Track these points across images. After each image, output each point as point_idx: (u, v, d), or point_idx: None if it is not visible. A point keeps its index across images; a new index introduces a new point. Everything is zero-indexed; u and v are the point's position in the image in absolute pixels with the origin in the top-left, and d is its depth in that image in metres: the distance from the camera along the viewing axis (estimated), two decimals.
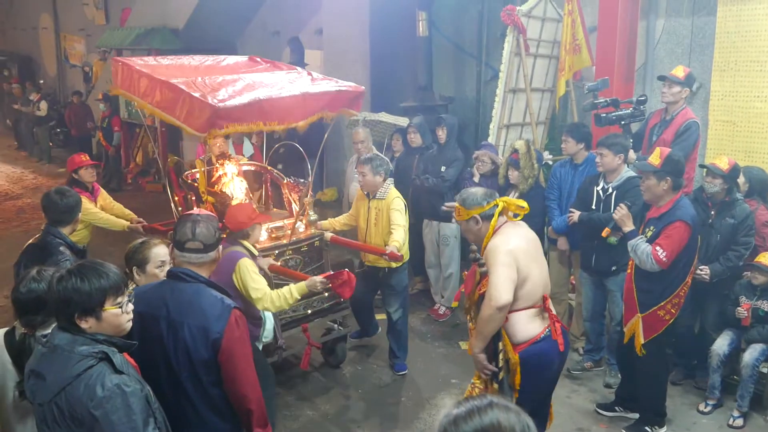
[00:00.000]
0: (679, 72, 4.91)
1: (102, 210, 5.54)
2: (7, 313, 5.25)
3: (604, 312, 4.85)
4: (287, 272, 4.36)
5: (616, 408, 4.44)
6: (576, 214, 4.69)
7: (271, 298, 3.60)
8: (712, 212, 4.50)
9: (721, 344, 4.44)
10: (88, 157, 5.69)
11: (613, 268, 4.54)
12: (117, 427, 2.05)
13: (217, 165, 4.97)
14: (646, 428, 4.18)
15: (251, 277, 3.60)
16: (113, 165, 12.02)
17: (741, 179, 4.67)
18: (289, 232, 4.70)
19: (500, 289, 3.01)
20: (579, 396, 4.73)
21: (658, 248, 3.84)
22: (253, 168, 5.41)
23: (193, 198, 4.82)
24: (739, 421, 4.30)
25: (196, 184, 4.73)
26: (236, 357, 2.54)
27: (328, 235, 4.94)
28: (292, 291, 3.65)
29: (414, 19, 7.62)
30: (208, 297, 2.57)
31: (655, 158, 3.92)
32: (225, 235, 3.52)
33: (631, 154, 4.69)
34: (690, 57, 6.12)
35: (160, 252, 3.11)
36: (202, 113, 3.95)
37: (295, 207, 4.96)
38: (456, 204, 3.31)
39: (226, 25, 11.01)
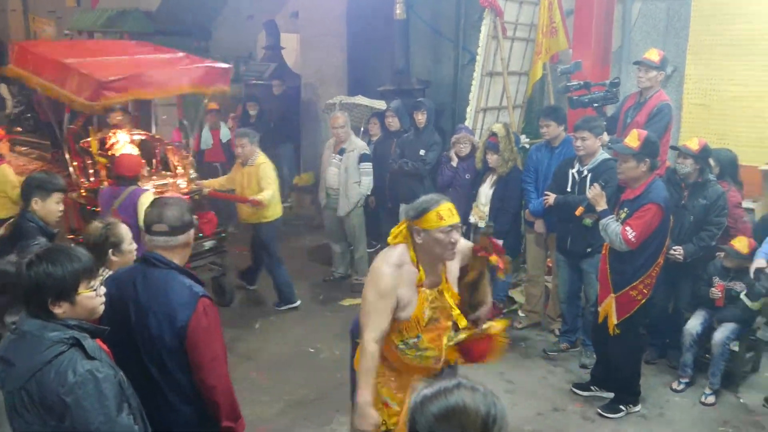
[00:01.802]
0: (654, 56, 4.93)
1: None
2: None
3: (580, 293, 4.90)
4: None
5: (592, 387, 4.50)
6: (551, 197, 4.73)
7: None
8: (685, 193, 4.55)
9: (694, 324, 4.52)
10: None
11: (588, 249, 4.58)
12: (89, 413, 2.02)
13: (110, 134, 5.76)
14: (621, 407, 4.25)
15: None
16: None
17: (711, 162, 4.72)
18: (172, 188, 5.60)
19: None
20: (555, 377, 4.78)
21: (627, 228, 3.89)
22: (144, 137, 6.07)
23: (90, 161, 5.64)
24: (711, 398, 4.39)
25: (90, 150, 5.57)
26: (202, 346, 2.46)
27: (206, 190, 5.84)
28: None
29: (391, 1, 7.57)
30: (176, 284, 2.50)
31: (633, 140, 3.94)
32: (117, 180, 4.75)
33: (604, 137, 4.72)
34: (665, 40, 6.17)
35: (127, 229, 3.12)
36: (89, 86, 4.87)
37: (179, 168, 5.85)
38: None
39: (199, 9, 10.80)
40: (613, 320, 4.08)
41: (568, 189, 4.67)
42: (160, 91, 5.50)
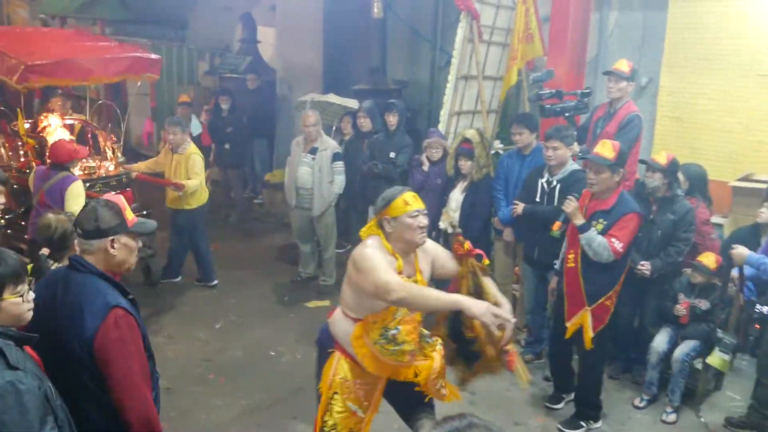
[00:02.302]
0: (624, 66, 4.89)
1: None
2: None
3: (546, 304, 4.84)
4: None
5: (563, 396, 4.45)
6: (520, 207, 4.66)
7: None
8: (654, 207, 4.51)
9: (661, 341, 4.47)
10: None
11: (555, 261, 4.52)
12: (9, 427, 1.88)
13: (42, 117, 5.96)
14: (581, 423, 4.19)
15: (75, 199, 4.61)
16: None
17: (681, 177, 4.69)
18: (101, 170, 5.97)
19: None
20: (518, 389, 4.69)
21: (614, 240, 3.84)
22: (76, 122, 6.29)
23: (20, 143, 5.85)
24: (672, 417, 4.34)
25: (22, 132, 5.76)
26: (112, 361, 2.28)
27: (134, 173, 6.14)
28: None
29: None
30: (90, 291, 2.33)
31: (608, 151, 3.89)
32: (50, 164, 4.89)
33: (575, 147, 4.67)
34: (641, 51, 6.14)
35: None
36: (17, 69, 5.24)
37: (109, 152, 6.18)
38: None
39: None
40: (590, 333, 4.01)
41: (537, 199, 4.61)
42: (88, 77, 5.84)
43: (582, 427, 4.18)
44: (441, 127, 6.48)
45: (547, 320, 4.86)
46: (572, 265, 4.06)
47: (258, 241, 7.90)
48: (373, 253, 2.81)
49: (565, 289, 4.14)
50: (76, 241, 2.46)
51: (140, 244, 2.55)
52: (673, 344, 4.46)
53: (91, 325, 2.26)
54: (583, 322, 4.02)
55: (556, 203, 4.41)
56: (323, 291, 6.30)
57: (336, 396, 3.02)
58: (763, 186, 5.06)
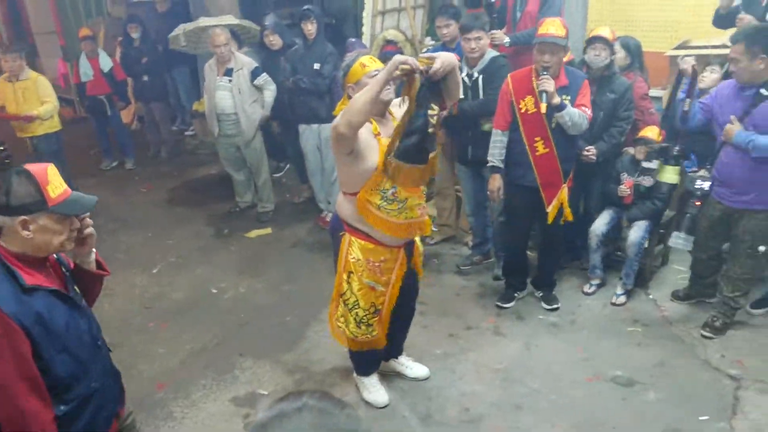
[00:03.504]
0: None
1: None
2: None
3: (487, 203, 4.67)
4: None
5: (516, 295, 4.43)
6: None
7: None
8: (594, 88, 4.29)
9: (600, 224, 4.38)
10: None
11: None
12: None
13: None
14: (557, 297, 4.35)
15: None
16: None
17: (622, 53, 4.47)
18: None
19: None
20: (468, 292, 4.63)
21: (584, 108, 3.85)
22: None
23: None
24: (622, 299, 4.32)
25: None
26: None
27: None
28: None
29: None
30: None
31: (559, 29, 3.71)
32: None
33: (499, 34, 4.38)
34: None
35: None
36: None
37: None
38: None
39: None
40: (568, 209, 4.05)
41: (462, 95, 4.33)
42: None
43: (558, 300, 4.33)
44: (365, 29, 6.08)
45: (489, 219, 4.72)
46: (545, 151, 3.91)
47: (192, 175, 7.54)
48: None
49: (539, 179, 3.97)
50: None
51: (76, 224, 2.07)
52: (613, 226, 4.38)
53: None
54: (563, 199, 4.00)
55: (481, 96, 4.17)
56: (263, 218, 6.06)
57: (352, 275, 3.13)
58: (700, 52, 4.87)
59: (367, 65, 2.92)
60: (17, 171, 1.98)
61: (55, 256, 2.16)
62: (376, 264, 3.13)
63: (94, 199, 2.09)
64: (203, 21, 6.63)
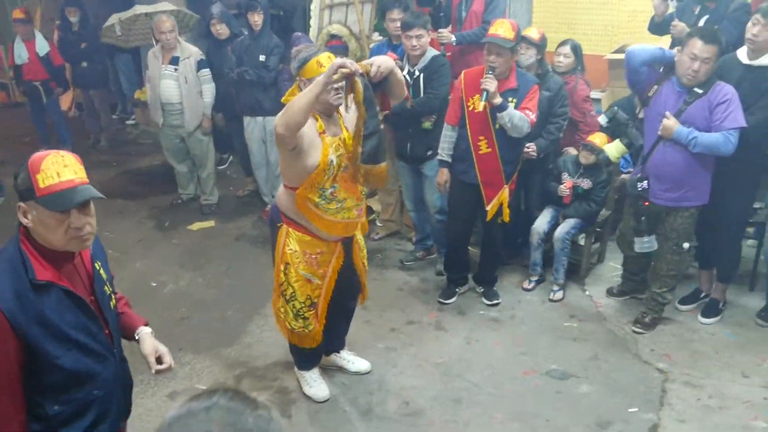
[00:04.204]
0: None
1: None
2: None
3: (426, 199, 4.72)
4: None
5: (457, 290, 4.48)
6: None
7: None
8: None
9: (542, 222, 4.49)
10: None
11: (429, 152, 4.38)
12: None
13: None
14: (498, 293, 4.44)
15: None
16: None
17: (571, 58, 4.59)
18: None
19: None
20: (411, 287, 4.68)
21: (528, 111, 3.85)
22: None
23: None
24: (559, 294, 4.44)
25: None
26: None
27: None
28: None
29: None
30: None
31: (508, 32, 3.73)
32: None
33: (446, 33, 4.44)
34: None
35: None
36: None
37: None
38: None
39: None
40: (508, 210, 4.11)
41: None
42: None
43: (498, 298, 4.40)
44: (312, 23, 6.05)
45: (429, 215, 4.77)
46: (488, 150, 3.96)
47: (134, 165, 7.36)
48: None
49: (480, 177, 4.03)
50: None
51: (76, 222, 1.85)
52: (554, 224, 4.49)
53: None
54: (503, 200, 4.06)
55: (422, 94, 4.22)
56: (206, 211, 5.97)
57: (289, 266, 3.15)
58: None
59: (324, 65, 2.84)
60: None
61: (94, 265, 2.03)
62: (313, 256, 3.16)
63: (86, 195, 1.85)
64: (139, 8, 6.44)
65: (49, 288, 1.85)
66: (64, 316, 1.88)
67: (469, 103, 3.93)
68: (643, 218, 3.91)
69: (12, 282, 1.80)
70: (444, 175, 4.18)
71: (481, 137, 3.96)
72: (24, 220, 1.85)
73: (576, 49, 4.66)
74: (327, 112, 2.98)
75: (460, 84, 4.00)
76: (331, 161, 2.95)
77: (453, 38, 4.64)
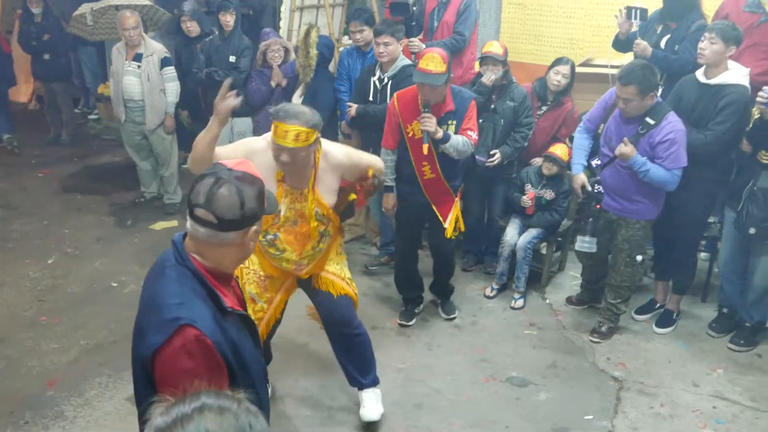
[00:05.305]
0: None
1: None
2: None
3: None
4: None
5: (415, 312, 4.41)
6: (353, 108, 4.47)
7: None
8: (493, 97, 4.48)
9: (512, 234, 4.53)
10: None
11: None
12: None
13: None
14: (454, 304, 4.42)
15: None
16: None
17: (569, 78, 4.56)
18: None
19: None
20: (374, 292, 4.70)
21: (469, 132, 3.78)
22: None
23: None
24: (520, 302, 4.52)
25: None
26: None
27: None
28: None
29: None
30: (169, 295, 1.68)
31: (438, 65, 3.55)
32: None
33: (417, 42, 4.50)
34: None
35: None
36: None
37: None
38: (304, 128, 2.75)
39: None
40: (461, 220, 4.09)
41: (370, 98, 4.42)
42: None
43: (456, 308, 4.41)
44: (282, 24, 6.03)
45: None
46: (432, 176, 3.86)
47: (95, 161, 7.22)
48: (236, 143, 3.09)
49: (429, 198, 3.96)
50: (190, 221, 1.75)
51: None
52: (522, 235, 4.56)
53: (152, 341, 1.64)
54: (457, 212, 4.04)
55: (388, 100, 4.25)
56: (169, 210, 5.89)
57: (238, 280, 2.96)
58: (601, 71, 5.17)
59: (278, 137, 2.73)
60: (238, 177, 1.74)
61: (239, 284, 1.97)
62: (262, 277, 3.13)
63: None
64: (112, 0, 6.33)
65: (232, 315, 1.73)
66: (245, 344, 1.75)
67: (408, 130, 3.79)
68: (590, 219, 3.99)
69: (207, 312, 1.66)
70: (390, 200, 4.01)
71: (424, 163, 3.82)
72: (251, 244, 1.79)
73: (573, 69, 4.65)
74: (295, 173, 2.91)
75: (394, 108, 3.83)
76: (279, 210, 2.90)
77: (424, 47, 4.68)
